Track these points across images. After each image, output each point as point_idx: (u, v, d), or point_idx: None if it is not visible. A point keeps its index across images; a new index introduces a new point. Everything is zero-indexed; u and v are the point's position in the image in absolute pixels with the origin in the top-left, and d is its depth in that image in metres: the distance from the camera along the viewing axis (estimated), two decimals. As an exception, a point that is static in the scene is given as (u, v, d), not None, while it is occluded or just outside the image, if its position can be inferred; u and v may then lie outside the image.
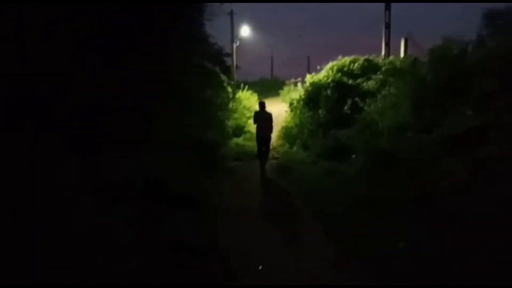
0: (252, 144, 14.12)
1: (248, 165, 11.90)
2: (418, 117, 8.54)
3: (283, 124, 16.34)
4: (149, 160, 6.13)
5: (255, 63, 49.18)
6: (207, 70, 16.42)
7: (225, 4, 20.68)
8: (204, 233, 5.87)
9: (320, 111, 12.98)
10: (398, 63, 12.26)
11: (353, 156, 8.94)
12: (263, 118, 10.84)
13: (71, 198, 4.67)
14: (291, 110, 15.86)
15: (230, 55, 21.93)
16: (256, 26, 28.10)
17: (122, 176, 5.51)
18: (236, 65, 33.25)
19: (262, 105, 11.20)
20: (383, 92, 11.52)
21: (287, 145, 14.54)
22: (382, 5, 15.49)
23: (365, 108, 11.41)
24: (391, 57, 14.62)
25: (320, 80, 14.35)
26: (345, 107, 12.29)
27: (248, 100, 21.76)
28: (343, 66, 14.68)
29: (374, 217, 6.00)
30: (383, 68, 12.98)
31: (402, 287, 4.46)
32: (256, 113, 11.32)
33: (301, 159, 11.64)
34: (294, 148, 13.70)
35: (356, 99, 12.22)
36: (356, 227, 5.99)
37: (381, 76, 12.61)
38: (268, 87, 30.70)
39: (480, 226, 4.48)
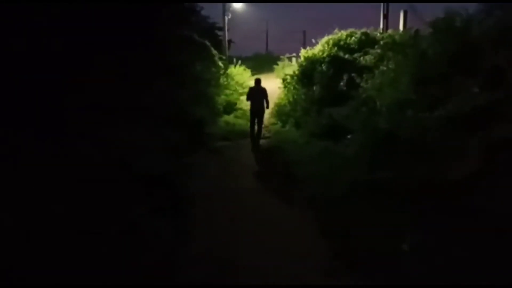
0: (243, 122, 13.50)
1: (237, 145, 11.35)
2: (420, 94, 7.91)
3: (276, 101, 15.67)
4: (117, 137, 5.44)
5: (250, 38, 48.35)
6: (197, 44, 15.61)
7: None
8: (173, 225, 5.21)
9: (314, 88, 12.27)
10: (397, 37, 11.51)
11: (349, 136, 8.31)
12: (258, 93, 11.36)
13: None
14: (285, 87, 15.16)
15: (222, 29, 21.00)
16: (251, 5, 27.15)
17: (82, 156, 4.87)
18: (230, 40, 32.31)
19: (257, 81, 11.73)
20: (381, 68, 10.85)
21: (279, 124, 13.89)
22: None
23: (362, 84, 10.74)
24: (389, 31, 13.95)
25: (315, 55, 13.62)
26: (341, 83, 11.59)
27: (241, 75, 21.05)
28: (340, 40, 13.96)
29: (374, 208, 5.37)
30: (381, 42, 12.24)
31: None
32: (251, 88, 11.83)
33: (293, 139, 10.98)
34: (287, 127, 13.05)
35: (353, 74, 11.52)
36: (354, 220, 5.33)
37: (379, 51, 11.88)
38: (263, 62, 30.06)
39: (502, 222, 3.87)
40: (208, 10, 28.67)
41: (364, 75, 11.16)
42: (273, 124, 14.26)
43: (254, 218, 6.25)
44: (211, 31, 26.06)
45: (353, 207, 5.62)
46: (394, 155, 5.90)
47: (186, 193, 6.56)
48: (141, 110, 8.15)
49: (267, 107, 11.63)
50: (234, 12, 21.95)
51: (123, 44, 8.55)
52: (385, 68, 10.68)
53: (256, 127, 11.34)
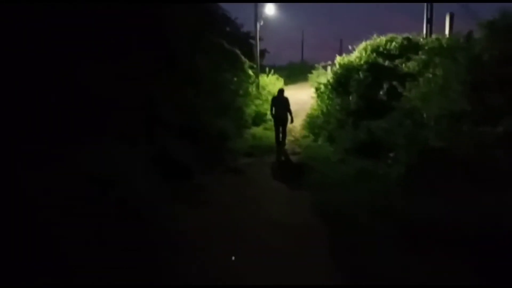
0: (272, 135, 12.50)
1: (261, 162, 10.20)
2: (476, 104, 6.72)
3: (309, 112, 14.62)
4: (104, 155, 4.62)
5: (285, 47, 47.50)
6: (226, 51, 14.86)
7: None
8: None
9: (350, 97, 11.13)
10: (445, 41, 10.27)
11: (391, 154, 7.15)
12: (280, 102, 11.89)
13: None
14: (318, 96, 14.08)
15: (253, 37, 20.23)
16: (284, 7, 26.35)
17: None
18: (264, 50, 31.69)
19: (280, 91, 12.39)
20: (426, 75, 9.67)
21: (311, 137, 12.79)
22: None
23: (405, 93, 9.57)
24: (433, 36, 12.72)
25: (351, 62, 12.52)
26: (380, 93, 10.43)
27: (273, 85, 20.15)
28: (379, 46, 12.80)
29: (429, 265, 4.12)
30: (426, 47, 11.02)
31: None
32: (274, 98, 12.34)
33: (326, 155, 9.84)
34: (319, 141, 11.90)
35: (394, 83, 10.34)
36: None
37: (423, 56, 10.68)
38: (297, 71, 29.21)
39: None
40: (242, 18, 28.16)
41: (406, 83, 10.00)
42: (305, 137, 13.19)
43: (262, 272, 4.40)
44: (245, 40, 25.52)
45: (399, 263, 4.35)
46: (449, 180, 4.73)
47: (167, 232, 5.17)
48: (155, 121, 7.39)
49: (291, 117, 11.98)
50: (267, 20, 21.08)
51: (139, 47, 7.85)
52: (431, 75, 9.53)
53: (280, 134, 11.87)
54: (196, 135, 7.94)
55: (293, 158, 10.53)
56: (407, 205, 5.14)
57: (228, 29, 27.18)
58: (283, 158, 10.65)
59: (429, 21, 14.03)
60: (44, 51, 5.13)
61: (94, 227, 4.21)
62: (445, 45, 9.83)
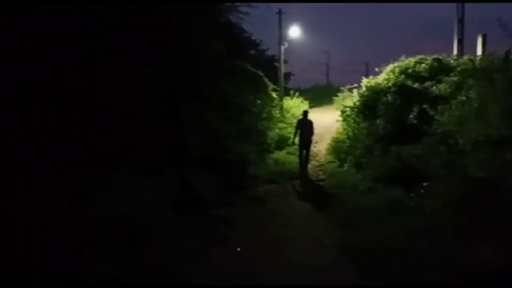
0: (295, 160, 12.07)
1: (284, 190, 9.63)
2: (517, 130, 6.17)
3: (334, 136, 14.15)
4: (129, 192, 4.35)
5: (310, 71, 47.65)
6: (249, 74, 14.67)
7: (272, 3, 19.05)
8: None
9: (378, 121, 10.63)
10: (478, 62, 9.73)
11: (425, 183, 6.61)
12: (305, 125, 12.02)
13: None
14: (343, 120, 13.62)
15: (278, 60, 20.07)
16: (309, 29, 26.29)
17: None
18: (290, 73, 31.66)
19: (305, 113, 12.56)
20: (459, 97, 9.13)
21: (336, 162, 12.28)
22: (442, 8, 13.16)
23: (437, 117, 9.04)
24: (465, 57, 12.18)
25: (379, 84, 12.08)
26: (410, 116, 9.91)
27: (298, 108, 19.81)
28: (407, 68, 12.32)
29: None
30: (459, 68, 10.49)
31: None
32: (299, 120, 12.47)
33: (353, 183, 9.25)
34: (345, 167, 11.36)
35: (425, 106, 9.82)
36: None
37: (455, 78, 10.16)
38: (322, 94, 28.93)
39: None
40: (267, 41, 28.34)
41: (438, 107, 9.47)
42: (330, 162, 12.68)
43: None
44: (270, 63, 25.49)
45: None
46: (496, 216, 4.20)
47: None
48: (178, 148, 7.12)
49: (311, 136, 12.13)
50: (291, 43, 20.92)
51: (166, 72, 7.68)
52: (464, 98, 8.99)
53: (304, 156, 11.96)
54: (217, 161, 7.61)
55: (318, 186, 10.02)
56: (451, 248, 4.54)
57: (252, 52, 27.46)
58: (307, 184, 10.19)
59: (460, 41, 13.57)
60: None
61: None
62: (479, 66, 9.30)
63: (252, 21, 14.84)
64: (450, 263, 4.45)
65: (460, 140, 7.02)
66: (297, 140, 12.16)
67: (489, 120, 7.14)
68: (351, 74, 46.56)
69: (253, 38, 28.10)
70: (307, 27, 23.84)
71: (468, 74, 9.33)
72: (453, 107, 9.17)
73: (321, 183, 10.42)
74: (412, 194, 6.77)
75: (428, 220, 5.55)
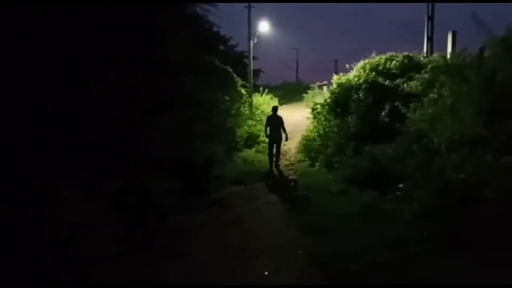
0: (264, 158, 11.63)
1: (251, 192, 8.97)
2: (494, 129, 5.93)
3: (304, 134, 13.82)
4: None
5: (280, 68, 47.50)
6: (217, 70, 14.12)
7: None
8: None
9: (349, 119, 10.32)
10: (451, 59, 9.56)
11: (401, 185, 6.28)
12: (275, 121, 11.71)
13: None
14: (314, 117, 13.29)
15: (247, 56, 19.59)
16: (278, 26, 26.01)
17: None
18: (259, 69, 31.24)
19: (274, 109, 12.27)
20: (430, 95, 8.94)
21: (307, 161, 11.93)
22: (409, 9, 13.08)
23: (409, 115, 8.81)
24: (435, 55, 12.12)
25: (349, 81, 11.80)
26: (382, 114, 9.65)
27: (267, 104, 19.48)
28: (378, 65, 12.16)
29: None
30: (430, 65, 10.33)
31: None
32: (269, 117, 12.14)
33: (324, 184, 8.81)
34: (316, 166, 11.01)
35: (397, 103, 9.59)
36: None
37: (426, 76, 9.97)
38: (292, 91, 28.76)
39: None
40: (237, 38, 27.89)
41: (410, 105, 9.26)
42: (300, 161, 12.32)
43: None
44: (239, 60, 25.00)
45: None
46: (478, 224, 3.88)
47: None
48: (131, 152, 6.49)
49: (286, 135, 11.75)
50: (261, 38, 20.47)
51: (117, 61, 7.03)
52: (436, 95, 8.80)
53: (274, 153, 11.62)
54: (179, 164, 7.01)
55: (288, 187, 9.54)
56: (428, 265, 4.14)
57: (222, 48, 26.90)
58: (276, 185, 9.73)
59: (430, 39, 13.51)
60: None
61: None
62: (451, 63, 9.10)
63: (221, 14, 14.29)
64: (427, 282, 4.09)
65: (435, 139, 6.72)
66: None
67: (464, 118, 6.92)
68: (321, 72, 46.76)
69: (222, 34, 27.72)
70: (276, 24, 23.60)
71: (441, 71, 9.13)
72: (425, 104, 9.00)
73: (291, 183, 9.98)
74: (389, 197, 6.42)
75: (404, 228, 5.15)
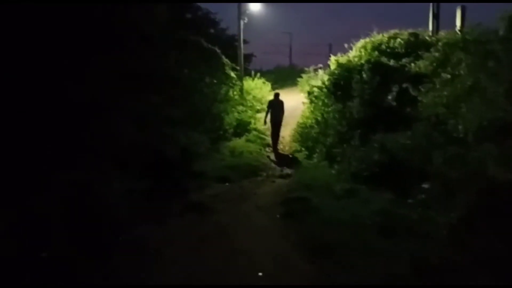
0: (256, 149, 10.38)
1: (237, 192, 7.45)
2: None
3: (300, 121, 12.60)
4: None
5: (272, 53, 46.12)
6: (204, 50, 12.82)
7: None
8: None
9: (352, 103, 9.06)
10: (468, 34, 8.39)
11: (426, 185, 5.07)
12: (277, 105, 12.29)
13: None
14: (310, 102, 12.05)
15: (238, 40, 18.21)
16: (271, 6, 24.70)
17: None
18: (251, 53, 29.86)
19: (276, 95, 12.76)
20: (443, 75, 7.82)
21: (303, 152, 10.67)
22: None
23: (421, 98, 7.68)
24: (441, 32, 11.07)
25: (350, 61, 10.59)
26: (389, 97, 8.47)
27: (260, 89, 18.23)
28: (380, 44, 10.96)
29: None
30: (440, 42, 9.16)
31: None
32: (271, 101, 12.63)
33: (326, 181, 7.35)
34: (315, 158, 9.68)
35: (405, 85, 8.43)
36: None
37: (437, 54, 8.81)
38: (285, 75, 27.50)
39: None
40: (227, 21, 26.71)
41: (420, 86, 8.11)
42: (296, 151, 11.07)
43: None
44: (230, 43, 23.66)
45: None
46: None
47: None
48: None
49: (282, 115, 12.35)
50: (252, 18, 19.01)
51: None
52: (449, 75, 7.66)
53: (276, 130, 12.22)
54: (147, 156, 5.70)
55: (283, 184, 8.03)
56: None
57: (212, 31, 25.52)
58: (267, 181, 8.44)
59: (436, 16, 12.43)
60: None
61: None
62: (470, 38, 7.92)
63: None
64: None
65: (459, 126, 5.54)
66: (268, 119, 12.24)
67: (493, 100, 5.76)
68: (314, 56, 45.38)
69: (212, 17, 26.30)
70: (268, 5, 22.10)
71: (458, 47, 7.96)
72: (438, 86, 7.88)
73: (287, 180, 8.49)
74: (410, 201, 5.14)
75: (441, 247, 3.84)
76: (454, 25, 10.58)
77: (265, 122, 12.43)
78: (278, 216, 6.04)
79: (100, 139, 5.06)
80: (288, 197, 6.70)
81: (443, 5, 11.88)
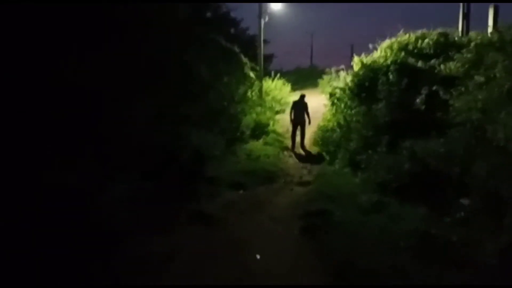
0: (274, 153, 9.92)
1: (251, 201, 6.86)
2: None
3: (321, 124, 12.13)
4: None
5: (293, 53, 45.77)
6: (223, 50, 12.47)
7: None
8: None
9: (378, 106, 8.53)
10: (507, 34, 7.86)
11: (464, 200, 4.56)
12: (300, 106, 12.54)
13: None
14: (332, 104, 11.57)
15: (256, 39, 17.86)
16: (292, 7, 24.27)
17: None
18: (272, 54, 29.55)
19: (302, 96, 12.87)
20: (476, 77, 7.31)
21: (325, 157, 10.17)
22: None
23: (453, 102, 7.16)
24: (471, 33, 10.55)
25: (375, 62, 10.10)
26: (417, 101, 7.96)
27: (279, 90, 17.82)
28: (408, 44, 10.47)
29: None
30: (473, 43, 8.63)
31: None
32: (294, 102, 12.80)
33: (350, 192, 6.80)
34: (336, 165, 9.16)
35: (435, 87, 7.92)
36: None
37: (469, 55, 8.28)
38: (305, 76, 27.13)
39: None
40: (248, 22, 26.50)
41: (452, 90, 7.59)
42: (317, 155, 10.59)
43: None
44: (250, 44, 23.37)
45: None
46: None
47: None
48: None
49: (309, 119, 12.57)
50: (273, 17, 18.61)
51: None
52: (483, 78, 7.14)
53: (299, 135, 12.44)
54: (155, 158, 5.32)
55: (301, 193, 7.46)
56: None
57: (232, 31, 25.30)
58: (284, 188, 7.95)
59: (466, 16, 11.91)
60: None
61: None
62: (508, 38, 7.38)
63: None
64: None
65: (499, 135, 5.02)
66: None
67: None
68: (335, 57, 44.79)
69: (231, 16, 26.07)
70: (290, 5, 21.66)
71: (495, 47, 7.42)
72: (470, 89, 7.36)
73: (306, 188, 7.88)
74: (448, 219, 4.56)
75: (494, 281, 3.26)
76: (483, 26, 10.13)
77: (291, 120, 12.57)
78: (296, 232, 5.48)
79: (105, 137, 4.72)
80: (308, 209, 6.09)
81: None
